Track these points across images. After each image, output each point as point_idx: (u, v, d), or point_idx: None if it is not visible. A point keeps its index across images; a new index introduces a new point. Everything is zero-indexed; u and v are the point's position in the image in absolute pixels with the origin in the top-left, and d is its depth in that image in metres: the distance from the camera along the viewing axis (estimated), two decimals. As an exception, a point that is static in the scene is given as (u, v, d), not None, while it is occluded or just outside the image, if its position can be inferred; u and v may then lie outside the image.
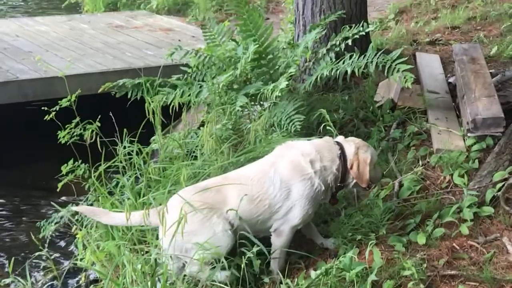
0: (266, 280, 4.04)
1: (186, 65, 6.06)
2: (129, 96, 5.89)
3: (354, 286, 3.65)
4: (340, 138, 4.24)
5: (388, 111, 5.77)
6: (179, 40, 9.64)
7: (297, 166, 3.98)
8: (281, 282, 3.91)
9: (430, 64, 6.87)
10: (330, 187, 4.08)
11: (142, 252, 4.01)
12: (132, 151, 4.88)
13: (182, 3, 12.66)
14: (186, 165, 4.62)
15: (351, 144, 4.12)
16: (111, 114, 4.94)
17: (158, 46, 9.30)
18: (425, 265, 3.80)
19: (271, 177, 3.96)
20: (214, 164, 4.69)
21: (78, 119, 4.85)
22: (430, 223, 4.24)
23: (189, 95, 5.62)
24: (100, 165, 4.77)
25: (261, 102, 5.57)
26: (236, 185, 3.94)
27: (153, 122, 5.00)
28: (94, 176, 4.70)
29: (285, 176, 3.96)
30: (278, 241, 4.05)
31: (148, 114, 4.96)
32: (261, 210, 3.94)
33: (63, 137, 4.88)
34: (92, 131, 4.70)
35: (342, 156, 4.07)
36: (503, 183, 4.53)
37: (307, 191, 3.95)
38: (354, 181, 4.13)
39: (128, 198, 4.54)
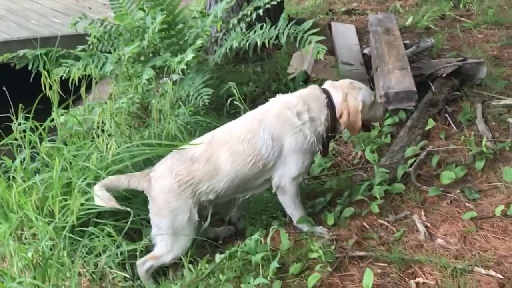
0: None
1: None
2: (30, 68, 5.53)
3: (260, 270, 3.50)
4: (327, 84, 3.99)
5: (301, 83, 5.61)
6: (90, 8, 9.21)
7: (286, 120, 3.78)
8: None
9: (345, 34, 6.75)
10: (321, 137, 3.88)
11: (33, 240, 3.73)
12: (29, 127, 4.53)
13: (95, -33, 12.12)
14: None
15: (338, 91, 3.88)
16: (4, 88, 4.58)
17: (67, 14, 8.81)
18: (333, 247, 3.67)
19: (262, 136, 3.75)
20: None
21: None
22: (340, 201, 4.12)
23: (93, 68, 5.30)
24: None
25: (170, 75, 5.32)
26: (227, 149, 3.75)
27: (50, 97, 4.65)
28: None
29: (275, 133, 3.76)
30: (286, 198, 3.92)
31: (45, 89, 4.62)
32: (255, 171, 3.78)
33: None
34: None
35: (330, 104, 3.86)
36: (414, 158, 4.44)
37: (299, 145, 3.78)
38: None
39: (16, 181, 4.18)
